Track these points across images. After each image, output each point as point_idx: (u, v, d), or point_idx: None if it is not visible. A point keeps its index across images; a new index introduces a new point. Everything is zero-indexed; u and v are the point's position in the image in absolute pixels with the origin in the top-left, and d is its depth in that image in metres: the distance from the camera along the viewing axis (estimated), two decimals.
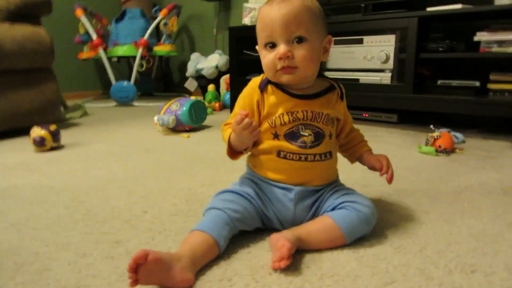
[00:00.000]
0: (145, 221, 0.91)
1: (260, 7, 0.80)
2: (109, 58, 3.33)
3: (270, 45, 0.77)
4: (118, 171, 1.33)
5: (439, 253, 0.74)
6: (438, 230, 0.84)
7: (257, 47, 0.82)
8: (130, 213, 0.96)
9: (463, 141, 1.74)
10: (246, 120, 0.73)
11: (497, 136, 1.87)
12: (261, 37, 0.78)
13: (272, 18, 0.75)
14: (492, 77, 1.84)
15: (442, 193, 1.08)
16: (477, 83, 1.86)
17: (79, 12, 3.21)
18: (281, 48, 0.75)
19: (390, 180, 0.85)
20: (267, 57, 0.78)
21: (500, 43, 1.75)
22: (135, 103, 3.20)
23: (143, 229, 0.87)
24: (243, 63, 2.71)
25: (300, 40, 0.75)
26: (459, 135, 1.73)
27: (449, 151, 1.53)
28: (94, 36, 3.22)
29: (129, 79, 3.26)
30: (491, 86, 1.84)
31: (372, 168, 0.89)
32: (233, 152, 0.83)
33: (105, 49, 3.25)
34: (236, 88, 2.76)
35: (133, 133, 2.05)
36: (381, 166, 0.86)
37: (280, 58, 0.75)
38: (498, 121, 2.12)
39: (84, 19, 3.22)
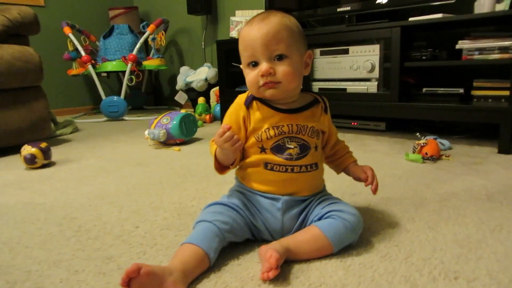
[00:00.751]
0: (137, 236, 0.92)
1: (246, 22, 0.83)
2: (98, 74, 3.35)
3: (253, 63, 0.80)
4: (109, 186, 1.34)
5: (424, 260, 0.76)
6: (423, 237, 0.87)
7: (241, 66, 0.85)
8: (122, 229, 0.97)
9: (450, 148, 1.78)
10: (228, 133, 0.76)
11: (482, 142, 1.91)
12: (244, 56, 0.81)
13: (252, 38, 0.78)
14: (475, 84, 1.89)
15: (428, 200, 1.11)
16: (461, 90, 1.91)
17: (67, 30, 3.23)
18: (263, 66, 0.78)
19: (374, 191, 0.88)
20: (250, 75, 0.81)
21: (481, 50, 1.80)
22: (126, 117, 3.21)
23: (134, 244, 0.88)
24: (232, 75, 2.75)
25: (280, 57, 0.78)
26: (445, 142, 1.77)
27: (435, 158, 1.56)
28: (83, 53, 3.23)
29: (119, 93, 3.27)
30: (475, 92, 1.88)
31: (357, 179, 0.92)
32: (221, 167, 0.85)
33: (94, 65, 3.27)
34: (226, 100, 2.79)
35: (124, 147, 2.06)
36: (366, 177, 0.89)
37: (262, 75, 0.78)
38: (483, 127, 2.17)
39: (72, 36, 3.24)
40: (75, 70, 3.42)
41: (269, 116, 0.82)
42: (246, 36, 0.80)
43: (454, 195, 1.15)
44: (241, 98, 0.86)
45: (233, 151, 0.79)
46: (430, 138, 1.66)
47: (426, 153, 1.56)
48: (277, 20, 0.79)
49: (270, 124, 0.82)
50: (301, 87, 0.86)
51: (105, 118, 3.20)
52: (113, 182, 1.39)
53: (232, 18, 2.81)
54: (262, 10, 2.71)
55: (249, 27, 0.80)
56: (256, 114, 0.83)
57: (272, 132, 0.81)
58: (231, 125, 0.81)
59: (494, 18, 1.79)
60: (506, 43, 1.72)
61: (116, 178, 1.45)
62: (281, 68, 0.78)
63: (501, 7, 1.85)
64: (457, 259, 0.76)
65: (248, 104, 0.84)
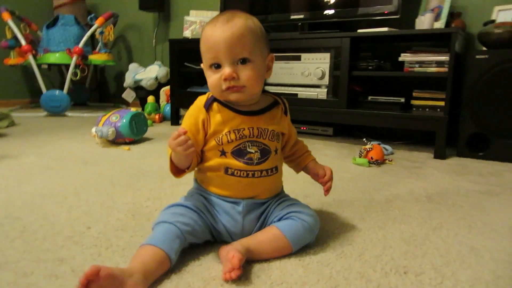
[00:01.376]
0: (90, 237, 0.89)
1: (201, 22, 0.82)
2: (39, 65, 3.15)
3: (215, 65, 0.79)
4: (55, 185, 1.27)
5: (376, 257, 0.81)
6: (374, 236, 0.92)
7: (202, 66, 0.84)
8: (73, 229, 0.93)
9: (392, 153, 1.90)
10: (182, 137, 0.74)
11: (420, 147, 2.06)
12: (206, 58, 0.80)
13: (216, 41, 0.77)
14: (415, 94, 2.04)
15: (376, 202, 1.17)
16: (402, 100, 2.04)
17: (6, 16, 3.01)
18: (226, 70, 0.77)
19: (327, 191, 0.92)
20: (212, 77, 0.80)
21: (421, 63, 1.94)
22: (68, 113, 3.05)
23: (88, 246, 0.84)
24: (184, 75, 2.71)
25: (244, 61, 0.78)
26: (388, 147, 1.89)
27: (380, 162, 1.66)
28: (23, 42, 3.03)
29: (61, 87, 3.09)
30: (414, 102, 2.03)
31: (316, 174, 0.94)
32: (176, 170, 0.83)
33: (35, 56, 3.07)
34: (176, 100, 2.75)
35: (68, 145, 1.96)
36: (324, 173, 0.92)
37: (225, 79, 0.77)
38: (421, 134, 2.33)
39: (11, 23, 3.02)
40: (12, 59, 3.19)
41: (230, 118, 0.82)
42: (209, 37, 0.78)
43: (399, 196, 1.23)
44: (201, 100, 0.84)
45: (185, 156, 0.77)
46: (375, 143, 1.76)
47: (371, 158, 1.66)
48: (241, 22, 0.78)
49: (231, 127, 0.82)
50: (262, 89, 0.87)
51: (45, 113, 3.02)
52: (59, 181, 1.32)
53: (187, 18, 2.77)
54: (217, 12, 2.71)
55: (212, 28, 0.78)
56: (217, 116, 0.82)
57: (233, 136, 0.81)
58: (188, 128, 0.80)
59: (433, 35, 1.95)
60: (442, 58, 1.87)
61: (62, 177, 1.37)
62: (245, 73, 0.78)
63: (438, 25, 2.01)
64: (405, 255, 0.82)
65: (208, 106, 0.83)
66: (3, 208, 1.05)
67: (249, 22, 0.79)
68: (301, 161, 0.96)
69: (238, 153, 0.82)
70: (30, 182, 1.31)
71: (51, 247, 0.83)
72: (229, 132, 0.81)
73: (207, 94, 0.85)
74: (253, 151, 0.82)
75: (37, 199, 1.14)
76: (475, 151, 1.84)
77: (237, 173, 0.82)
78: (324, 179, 0.92)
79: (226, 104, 0.83)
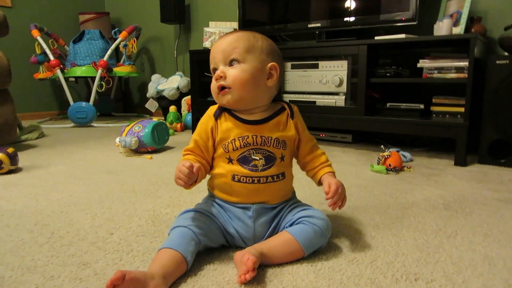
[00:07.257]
0: (112, 243, 0.93)
1: (220, 33, 0.90)
2: (66, 79, 3.28)
3: (214, 71, 0.86)
4: (80, 193, 1.33)
5: (387, 263, 0.82)
6: (387, 243, 0.93)
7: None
8: (96, 235, 0.97)
9: (411, 160, 1.89)
10: (186, 173, 0.79)
11: (441, 154, 2.04)
12: (210, 66, 0.88)
13: (215, 48, 0.86)
14: (434, 100, 2.02)
15: (391, 209, 1.18)
16: (422, 106, 2.03)
17: (35, 33, 3.16)
18: (218, 70, 0.84)
19: (331, 205, 0.86)
20: (212, 82, 0.87)
21: (440, 69, 1.93)
22: (94, 124, 3.16)
23: (110, 251, 0.89)
24: (204, 84, 2.78)
25: (233, 62, 0.84)
26: (407, 154, 1.88)
27: (398, 169, 1.66)
28: (51, 57, 3.17)
29: (87, 99, 3.22)
30: (434, 108, 2.01)
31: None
32: None
33: (62, 70, 3.20)
34: (197, 109, 2.81)
35: (93, 154, 2.04)
36: (328, 190, 0.86)
37: (216, 79, 0.84)
38: (441, 140, 2.30)
39: (40, 40, 3.17)
40: (42, 74, 3.34)
41: (234, 127, 0.86)
42: (212, 48, 0.88)
43: (415, 204, 1.23)
44: (211, 109, 0.91)
45: (185, 187, 0.82)
46: (393, 150, 1.75)
47: (389, 165, 1.65)
48: (240, 33, 0.86)
49: (235, 135, 0.86)
50: (270, 97, 0.89)
51: (72, 124, 3.14)
52: (84, 189, 1.38)
53: (206, 29, 2.85)
54: (235, 22, 2.77)
55: (216, 42, 0.88)
56: (223, 124, 0.87)
57: (237, 143, 0.85)
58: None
59: (451, 40, 1.93)
60: (462, 63, 1.86)
61: (87, 185, 1.44)
62: (231, 72, 0.83)
63: (457, 30, 2.00)
64: (417, 262, 0.83)
65: (217, 115, 0.88)
66: (33, 216, 1.12)
67: (248, 34, 0.87)
68: (315, 174, 0.94)
69: (243, 160, 0.85)
70: (57, 190, 1.37)
71: (76, 252, 0.88)
72: (234, 140, 0.86)
73: (217, 104, 0.90)
74: (257, 158, 0.85)
75: (64, 206, 1.20)
76: (497, 158, 1.80)
77: (243, 179, 0.85)
78: (327, 196, 0.86)
79: (233, 114, 0.88)
